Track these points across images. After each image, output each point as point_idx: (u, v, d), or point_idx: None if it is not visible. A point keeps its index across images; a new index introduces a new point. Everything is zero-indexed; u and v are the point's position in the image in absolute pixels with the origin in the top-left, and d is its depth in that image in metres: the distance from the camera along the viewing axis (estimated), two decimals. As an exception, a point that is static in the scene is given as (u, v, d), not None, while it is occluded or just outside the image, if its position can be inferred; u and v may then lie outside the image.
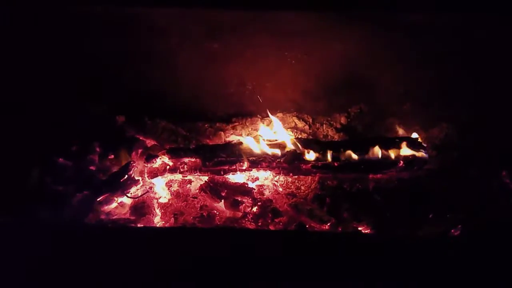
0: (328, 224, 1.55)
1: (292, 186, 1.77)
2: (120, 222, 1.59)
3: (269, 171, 1.76)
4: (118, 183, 1.70)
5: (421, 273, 1.28)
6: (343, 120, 2.11)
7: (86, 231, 1.42)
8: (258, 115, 2.08)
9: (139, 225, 1.60)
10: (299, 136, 1.99)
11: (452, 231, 1.57)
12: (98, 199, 1.65)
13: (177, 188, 1.77)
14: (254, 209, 1.63)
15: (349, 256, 1.33)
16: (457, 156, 1.86)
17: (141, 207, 1.66)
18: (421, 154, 1.77)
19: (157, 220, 1.67)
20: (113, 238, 1.38)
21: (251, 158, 1.71)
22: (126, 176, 1.71)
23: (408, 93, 2.02)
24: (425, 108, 2.00)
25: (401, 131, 1.97)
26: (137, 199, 1.69)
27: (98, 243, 1.35)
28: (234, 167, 1.71)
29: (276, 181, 1.79)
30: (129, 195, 1.69)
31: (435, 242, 1.44)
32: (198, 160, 1.72)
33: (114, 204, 1.69)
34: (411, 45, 1.92)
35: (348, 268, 1.30)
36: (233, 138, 1.95)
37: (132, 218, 1.63)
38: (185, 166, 1.74)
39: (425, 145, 1.81)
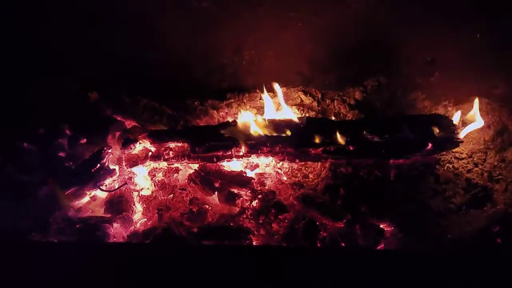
0: (343, 221, 1.42)
1: (299, 175, 1.65)
2: (91, 221, 1.40)
3: (271, 157, 1.63)
4: (90, 174, 1.52)
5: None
6: (358, 95, 1.94)
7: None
8: (258, 90, 1.92)
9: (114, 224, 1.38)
10: (306, 115, 1.83)
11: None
12: (66, 193, 1.47)
13: (162, 178, 1.61)
14: (254, 203, 1.50)
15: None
16: (492, 136, 1.72)
17: (118, 202, 1.51)
18: (452, 134, 1.61)
19: (138, 217, 1.50)
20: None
21: (249, 141, 1.57)
22: (99, 165, 1.53)
23: (435, 62, 1.87)
24: (455, 80, 1.85)
25: (427, 108, 1.86)
26: (113, 193, 1.53)
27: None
28: (230, 152, 1.58)
29: (279, 168, 1.66)
30: (103, 187, 1.53)
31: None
32: (186, 144, 1.58)
33: (85, 199, 1.52)
34: (440, 2, 1.72)
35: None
36: (228, 118, 1.81)
37: (107, 215, 1.47)
38: (171, 152, 1.60)
39: (456, 123, 1.66)
